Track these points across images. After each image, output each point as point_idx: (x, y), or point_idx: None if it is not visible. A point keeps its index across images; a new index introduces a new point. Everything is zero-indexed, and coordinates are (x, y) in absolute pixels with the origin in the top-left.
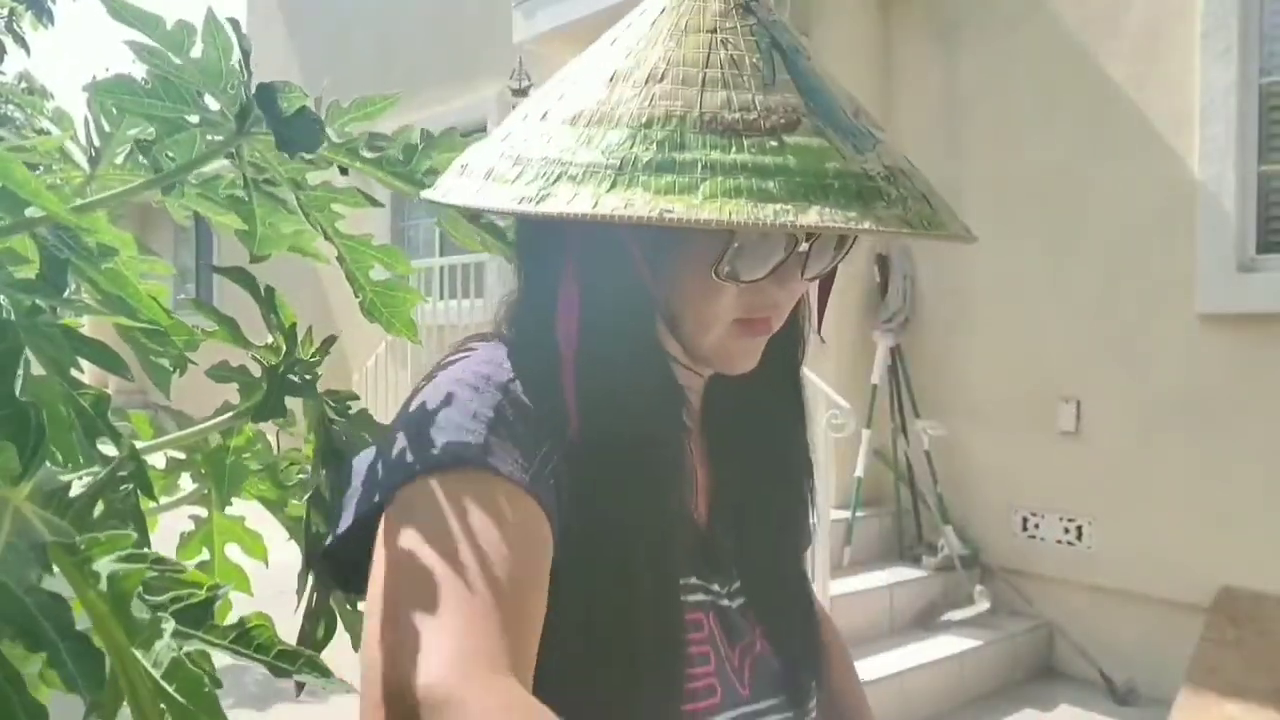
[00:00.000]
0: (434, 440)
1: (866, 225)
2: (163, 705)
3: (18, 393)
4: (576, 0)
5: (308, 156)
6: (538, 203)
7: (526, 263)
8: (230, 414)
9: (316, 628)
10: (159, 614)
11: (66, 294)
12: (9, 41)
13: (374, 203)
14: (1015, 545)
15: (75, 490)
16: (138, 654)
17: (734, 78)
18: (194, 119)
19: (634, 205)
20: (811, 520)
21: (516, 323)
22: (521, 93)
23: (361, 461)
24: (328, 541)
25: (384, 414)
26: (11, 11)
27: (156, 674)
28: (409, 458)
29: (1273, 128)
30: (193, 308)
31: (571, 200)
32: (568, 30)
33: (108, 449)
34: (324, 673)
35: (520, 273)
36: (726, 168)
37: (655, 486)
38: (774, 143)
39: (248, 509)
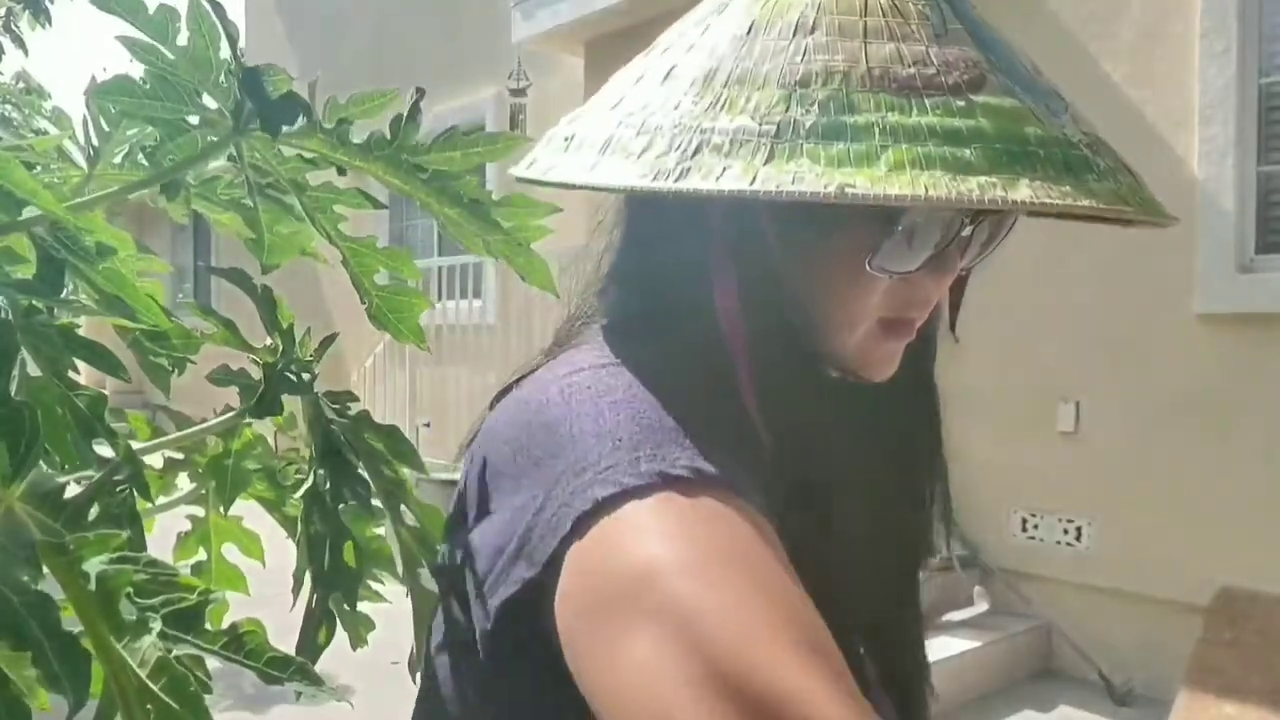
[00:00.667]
0: (650, 453)
1: (1085, 202)
2: (149, 706)
3: (12, 393)
4: (576, 0)
5: (307, 156)
6: (678, 178)
7: (650, 253)
8: (228, 414)
9: (317, 632)
10: (146, 614)
11: (64, 294)
12: (7, 42)
13: (376, 204)
14: (1014, 546)
15: (71, 491)
16: (125, 654)
17: (900, 27)
18: (194, 119)
19: (803, 179)
20: (936, 542)
21: (650, 326)
22: (520, 93)
23: (490, 533)
24: (499, 596)
25: (382, 415)
26: (9, 12)
27: (143, 673)
28: (624, 474)
29: (1272, 128)
30: (192, 311)
31: (721, 175)
32: (567, 30)
33: (104, 450)
34: (315, 681)
35: (634, 265)
36: (910, 133)
37: (854, 512)
38: (961, 102)
39: (245, 509)
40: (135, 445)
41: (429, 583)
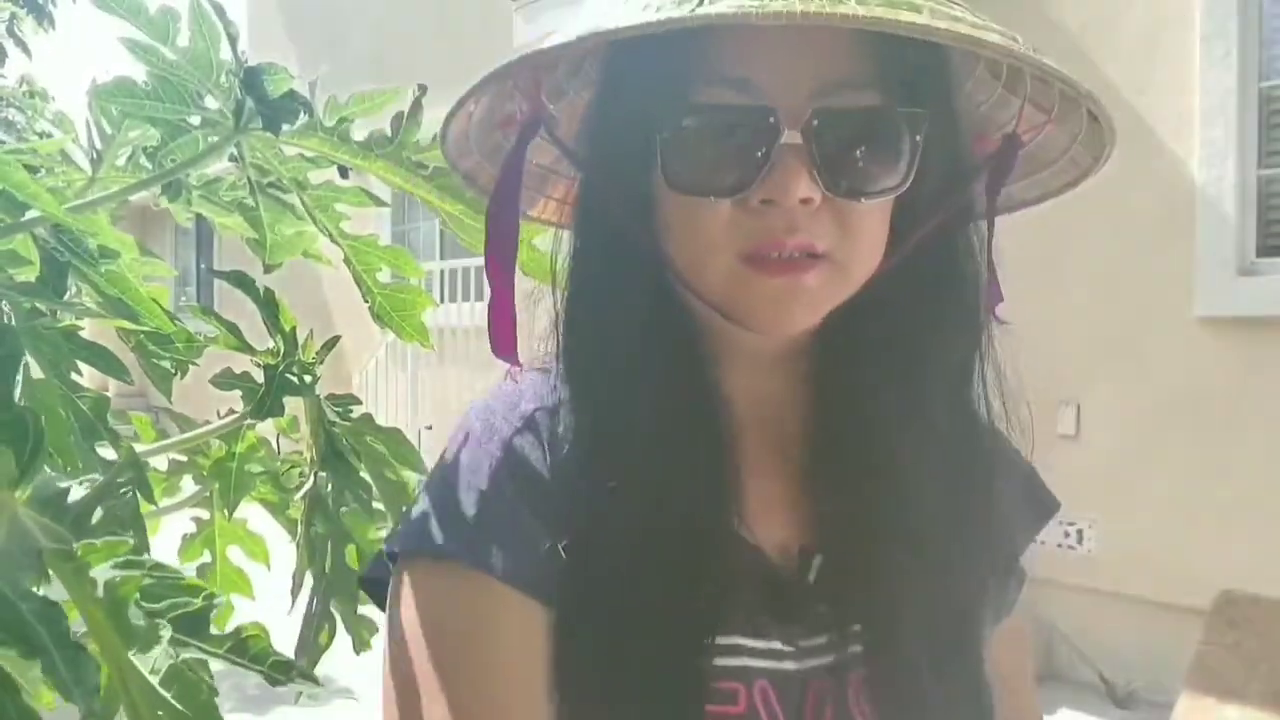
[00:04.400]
0: (424, 519)
1: (843, 10)
2: (160, 712)
3: (17, 398)
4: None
5: (308, 155)
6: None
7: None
8: (231, 417)
9: (317, 633)
10: (156, 620)
11: (67, 297)
12: (10, 45)
13: (378, 201)
14: None
15: (75, 495)
16: (135, 661)
17: None
18: (195, 120)
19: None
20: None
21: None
22: None
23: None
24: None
25: (384, 417)
26: (12, 15)
27: (154, 681)
28: (399, 537)
29: (1273, 131)
30: (196, 314)
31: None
32: None
33: (107, 452)
34: (315, 683)
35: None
36: None
37: (665, 505)
38: None
39: (250, 512)
40: (138, 448)
41: None
